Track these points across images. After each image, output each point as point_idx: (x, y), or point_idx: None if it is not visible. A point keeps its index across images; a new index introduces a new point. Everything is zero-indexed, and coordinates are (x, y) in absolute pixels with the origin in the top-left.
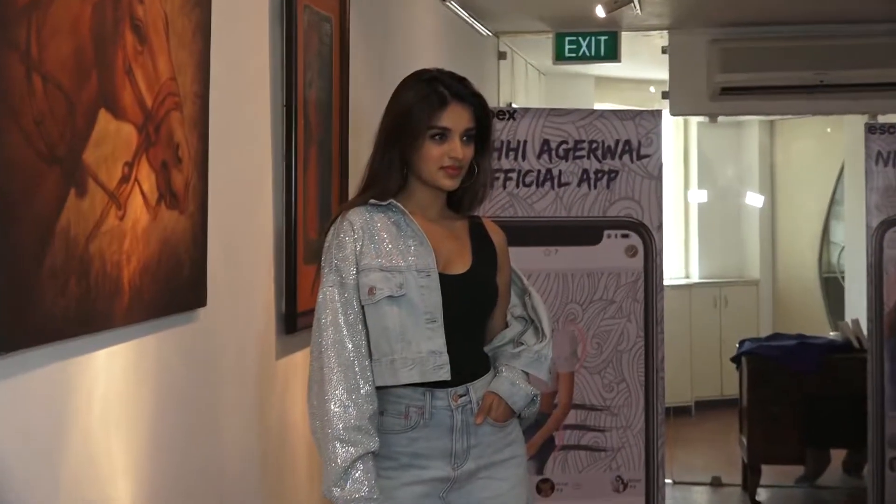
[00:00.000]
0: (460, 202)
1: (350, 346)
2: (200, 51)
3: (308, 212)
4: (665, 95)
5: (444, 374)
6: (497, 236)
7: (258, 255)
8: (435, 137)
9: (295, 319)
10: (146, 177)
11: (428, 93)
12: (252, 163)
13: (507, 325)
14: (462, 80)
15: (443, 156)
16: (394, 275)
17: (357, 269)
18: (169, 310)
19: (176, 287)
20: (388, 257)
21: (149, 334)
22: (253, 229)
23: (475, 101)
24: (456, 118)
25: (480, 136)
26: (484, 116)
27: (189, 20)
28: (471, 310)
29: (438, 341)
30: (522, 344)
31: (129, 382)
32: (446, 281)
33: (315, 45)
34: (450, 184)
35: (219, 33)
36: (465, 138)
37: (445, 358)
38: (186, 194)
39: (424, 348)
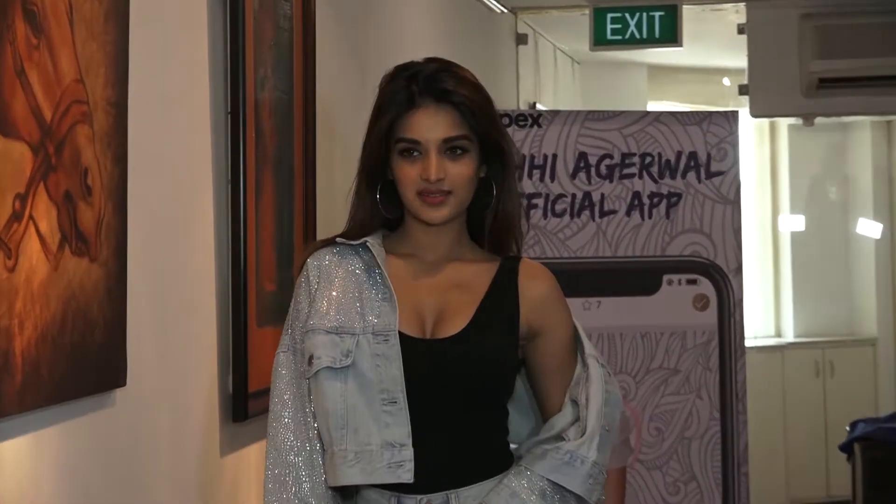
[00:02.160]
0: (482, 236)
1: (293, 434)
2: (115, 43)
3: (262, 255)
4: (743, 90)
5: (405, 475)
6: (535, 284)
7: (195, 316)
8: (405, 154)
9: (245, 402)
10: (44, 213)
11: (395, 91)
12: (186, 191)
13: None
14: (444, 70)
15: (416, 177)
16: (343, 339)
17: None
18: (76, 392)
19: (85, 361)
20: (341, 315)
21: (49, 425)
22: (188, 281)
23: (460, 99)
24: (427, 124)
25: (489, 146)
26: (479, 122)
27: (100, 4)
28: (455, 387)
29: (398, 431)
30: (563, 439)
31: (24, 488)
32: (413, 347)
33: (270, 32)
34: (430, 215)
35: (140, 20)
36: (448, 151)
37: (409, 453)
38: (98, 236)
39: (377, 439)
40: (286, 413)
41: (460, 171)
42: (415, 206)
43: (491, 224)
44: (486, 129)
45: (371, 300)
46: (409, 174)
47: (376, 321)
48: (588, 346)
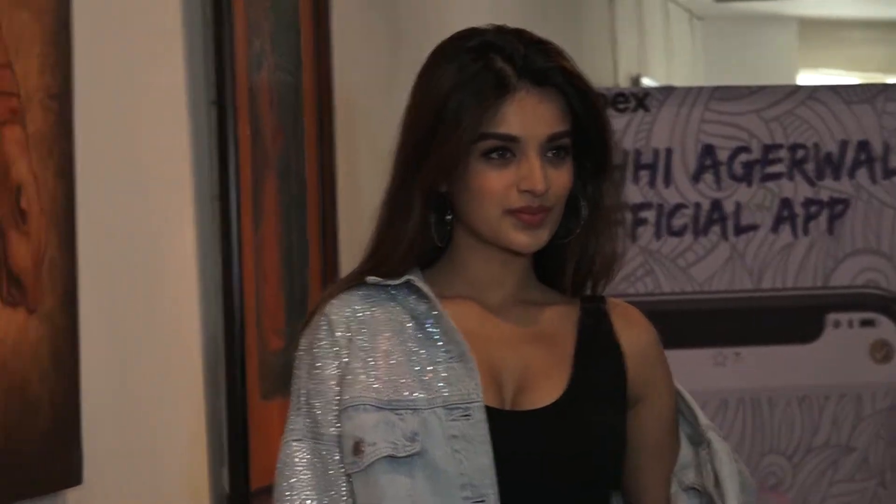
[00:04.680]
0: (562, 274)
1: None
2: (54, 13)
3: (265, 300)
4: None
5: None
6: (636, 333)
7: (175, 388)
8: (491, 155)
9: (247, 502)
10: None
11: (475, 72)
12: (158, 214)
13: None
14: (541, 45)
15: (508, 188)
16: (402, 417)
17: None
18: (13, 496)
19: (25, 453)
20: (395, 384)
21: None
22: (164, 339)
23: (567, 83)
24: (529, 116)
25: (588, 146)
26: (587, 112)
27: None
28: (560, 478)
29: None
30: None
31: None
32: (505, 423)
33: None
34: (525, 241)
35: None
36: (551, 153)
37: None
38: (39, 278)
39: None
40: None
41: (564, 182)
42: (501, 229)
43: (579, 257)
44: (594, 124)
45: (432, 361)
46: (494, 184)
47: (447, 390)
48: (702, 415)
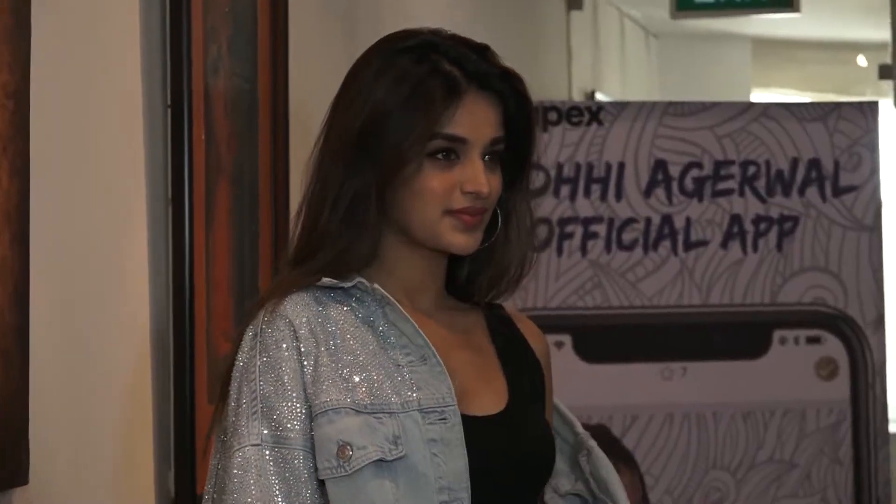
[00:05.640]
0: (472, 282)
1: None
2: (12, 11)
3: (215, 305)
4: (885, 73)
5: None
6: (538, 342)
7: (123, 390)
8: (437, 156)
9: None
10: None
11: (423, 74)
12: (112, 216)
13: None
14: (481, 50)
15: (451, 189)
16: (381, 420)
17: (310, 410)
18: None
19: None
20: (368, 387)
21: None
22: (114, 340)
23: (506, 88)
24: (477, 120)
25: (512, 153)
26: (521, 116)
27: None
28: (518, 482)
29: None
30: None
31: None
32: (472, 430)
33: None
34: (464, 241)
35: None
36: (487, 157)
37: None
38: None
39: None
40: None
41: (498, 186)
42: (439, 229)
43: (493, 263)
44: (523, 129)
45: (395, 364)
46: (438, 184)
47: (420, 393)
48: (579, 425)
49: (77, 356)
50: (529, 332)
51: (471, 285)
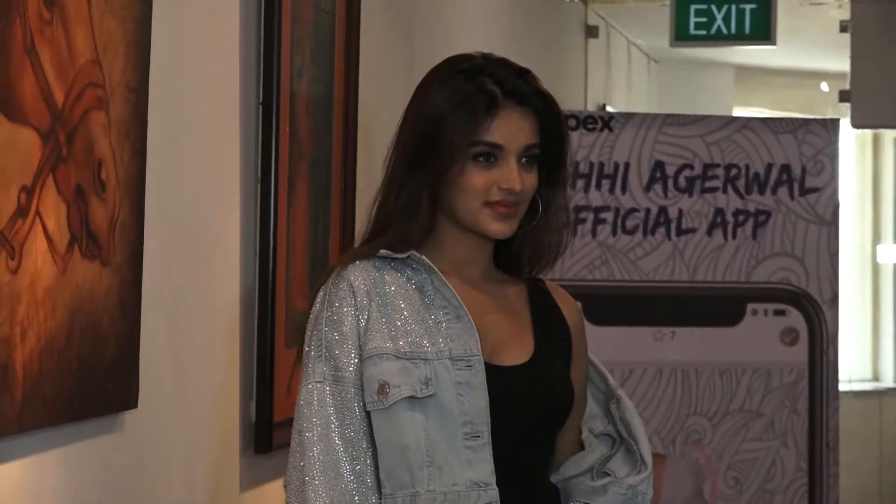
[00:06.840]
0: (517, 259)
1: (349, 476)
2: (137, 21)
3: (293, 267)
4: (844, 97)
5: None
6: (571, 310)
7: (216, 334)
8: (479, 159)
9: (270, 433)
10: (53, 209)
11: (470, 91)
12: (210, 190)
13: (582, 446)
14: (523, 73)
15: (490, 186)
16: (417, 365)
17: (360, 355)
18: (81, 413)
19: (93, 378)
20: (409, 338)
21: (50, 448)
22: (210, 293)
23: (541, 105)
24: (512, 129)
25: (549, 157)
26: (554, 127)
27: None
28: (534, 421)
29: (483, 468)
30: (608, 475)
31: None
32: (496, 376)
33: (309, 16)
34: (500, 228)
35: None
36: (524, 160)
37: (494, 493)
38: (112, 237)
39: (461, 479)
40: (343, 462)
41: (532, 184)
42: (480, 218)
43: (533, 247)
44: (557, 138)
45: (436, 321)
46: (479, 182)
47: (452, 344)
48: (611, 378)
49: (180, 306)
50: (563, 301)
51: (517, 261)
